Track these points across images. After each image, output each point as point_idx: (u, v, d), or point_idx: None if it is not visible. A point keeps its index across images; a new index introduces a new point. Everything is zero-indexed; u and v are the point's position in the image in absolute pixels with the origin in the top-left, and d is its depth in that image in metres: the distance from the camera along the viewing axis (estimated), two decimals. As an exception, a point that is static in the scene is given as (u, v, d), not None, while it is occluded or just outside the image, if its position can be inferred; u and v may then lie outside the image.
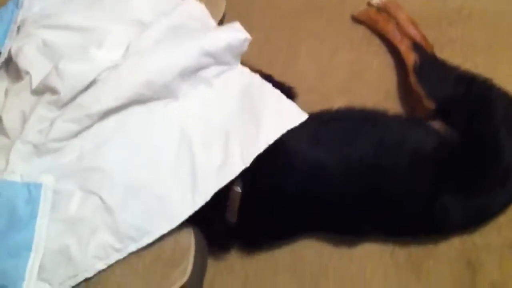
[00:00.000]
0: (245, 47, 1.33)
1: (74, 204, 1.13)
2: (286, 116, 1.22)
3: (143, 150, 1.20)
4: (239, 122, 1.24)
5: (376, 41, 1.60)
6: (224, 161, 1.18)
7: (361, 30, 1.63)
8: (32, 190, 1.10)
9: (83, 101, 1.21)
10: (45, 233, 1.08)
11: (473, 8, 1.63)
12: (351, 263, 1.28)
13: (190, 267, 1.12)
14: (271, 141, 1.16)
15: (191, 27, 1.39)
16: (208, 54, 1.28)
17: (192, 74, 1.29)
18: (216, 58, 1.31)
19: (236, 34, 1.31)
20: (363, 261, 1.28)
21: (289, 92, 1.33)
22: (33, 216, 1.08)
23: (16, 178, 1.12)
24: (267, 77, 1.33)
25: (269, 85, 1.30)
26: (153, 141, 1.22)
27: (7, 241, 1.05)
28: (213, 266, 1.31)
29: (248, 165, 1.15)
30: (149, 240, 1.13)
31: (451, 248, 1.26)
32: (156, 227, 1.13)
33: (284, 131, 1.17)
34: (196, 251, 1.16)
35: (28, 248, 1.05)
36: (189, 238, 1.16)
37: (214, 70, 1.33)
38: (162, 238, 1.14)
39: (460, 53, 1.53)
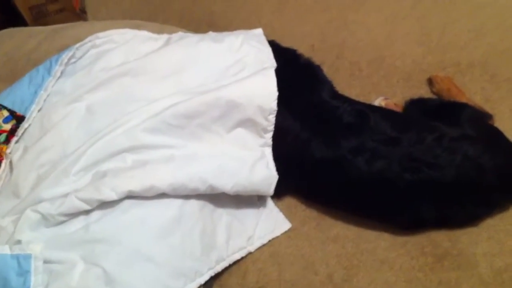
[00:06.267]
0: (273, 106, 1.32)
1: (76, 274, 1.12)
2: (276, 226, 1.40)
3: (150, 221, 1.20)
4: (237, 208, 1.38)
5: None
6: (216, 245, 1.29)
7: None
8: (21, 262, 1.10)
9: (101, 184, 1.20)
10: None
11: (470, 61, 1.67)
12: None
13: None
14: (255, 248, 1.36)
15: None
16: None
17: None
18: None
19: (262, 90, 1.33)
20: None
21: None
22: (26, 287, 1.07)
23: (6, 250, 1.11)
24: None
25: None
26: (160, 212, 1.22)
27: (4, 313, 1.05)
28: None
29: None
30: None
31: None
32: None
33: (269, 239, 1.38)
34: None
35: (24, 320, 1.05)
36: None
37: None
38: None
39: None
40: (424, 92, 1.62)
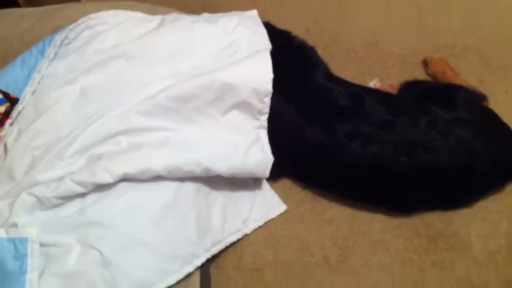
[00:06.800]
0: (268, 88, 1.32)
1: (72, 258, 1.11)
2: (271, 208, 1.40)
3: (145, 207, 1.20)
4: (232, 191, 1.37)
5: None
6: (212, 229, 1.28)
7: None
8: (18, 245, 1.09)
9: (96, 167, 1.18)
10: (36, 287, 1.06)
11: (465, 45, 1.67)
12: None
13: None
14: (250, 229, 1.36)
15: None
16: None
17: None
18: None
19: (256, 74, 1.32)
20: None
21: None
22: (23, 271, 1.06)
23: (2, 234, 1.11)
24: None
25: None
26: (155, 197, 1.22)
27: (0, 297, 1.04)
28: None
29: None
30: None
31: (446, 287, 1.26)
32: (155, 283, 1.13)
33: (264, 221, 1.38)
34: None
35: (20, 304, 1.04)
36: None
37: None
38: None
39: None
40: (419, 74, 1.62)
